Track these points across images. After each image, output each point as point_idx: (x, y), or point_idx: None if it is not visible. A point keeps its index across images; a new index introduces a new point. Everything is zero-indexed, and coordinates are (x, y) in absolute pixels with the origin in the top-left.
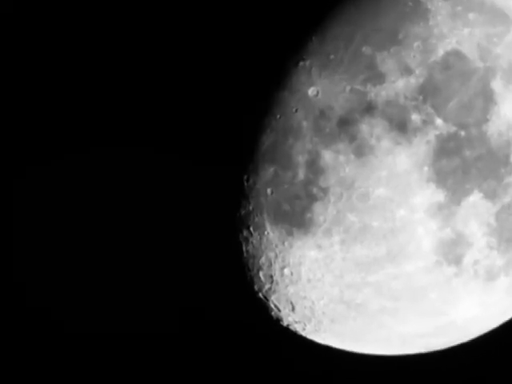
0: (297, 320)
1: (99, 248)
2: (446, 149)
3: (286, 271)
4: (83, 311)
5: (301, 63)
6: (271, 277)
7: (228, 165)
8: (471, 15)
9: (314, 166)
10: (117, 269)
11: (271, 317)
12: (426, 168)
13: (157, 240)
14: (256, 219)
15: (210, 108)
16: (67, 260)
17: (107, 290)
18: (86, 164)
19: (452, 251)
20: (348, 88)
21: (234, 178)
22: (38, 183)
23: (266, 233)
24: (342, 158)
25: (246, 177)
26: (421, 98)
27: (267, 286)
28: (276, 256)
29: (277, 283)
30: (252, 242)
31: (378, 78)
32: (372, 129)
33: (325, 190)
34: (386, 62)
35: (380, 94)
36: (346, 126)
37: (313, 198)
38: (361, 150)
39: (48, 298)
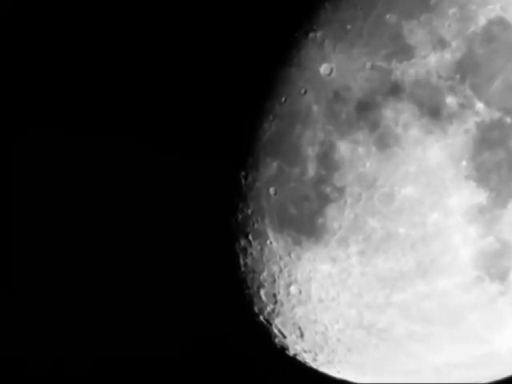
0: (306, 349)
1: (87, 253)
2: (488, 139)
3: (293, 289)
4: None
5: (311, 34)
6: (274, 296)
7: (222, 159)
8: None
9: (327, 160)
10: (104, 279)
11: (275, 344)
12: (463, 163)
13: (146, 250)
14: (256, 225)
15: (201, 87)
16: (55, 259)
17: (93, 302)
18: (83, 162)
19: (496, 264)
20: (368, 65)
21: (230, 174)
22: (36, 181)
23: (268, 242)
24: (361, 150)
25: (243, 173)
26: (458, 77)
27: (270, 308)
28: (280, 270)
29: (281, 304)
30: (251, 254)
31: (405, 52)
32: (398, 115)
33: (340, 190)
34: (415, 33)
35: (407, 72)
36: (365, 111)
37: (325, 200)
38: (384, 141)
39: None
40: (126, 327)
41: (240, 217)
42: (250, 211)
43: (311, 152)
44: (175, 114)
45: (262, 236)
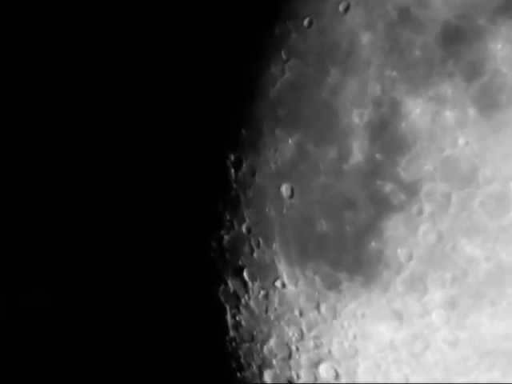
0: None
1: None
2: None
3: (325, 371)
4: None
5: None
6: (290, 383)
7: (198, 132)
8: None
9: (387, 135)
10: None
11: None
12: None
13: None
14: (256, 254)
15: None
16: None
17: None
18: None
19: None
20: None
21: (209, 160)
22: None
23: (278, 284)
24: (449, 115)
25: (233, 158)
26: None
27: None
28: (301, 336)
29: None
30: (247, 306)
31: None
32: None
33: (410, 189)
34: None
35: None
36: (457, 43)
37: (384, 207)
38: (491, 99)
39: None
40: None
41: (227, 238)
42: (244, 227)
43: (357, 119)
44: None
45: (266, 273)
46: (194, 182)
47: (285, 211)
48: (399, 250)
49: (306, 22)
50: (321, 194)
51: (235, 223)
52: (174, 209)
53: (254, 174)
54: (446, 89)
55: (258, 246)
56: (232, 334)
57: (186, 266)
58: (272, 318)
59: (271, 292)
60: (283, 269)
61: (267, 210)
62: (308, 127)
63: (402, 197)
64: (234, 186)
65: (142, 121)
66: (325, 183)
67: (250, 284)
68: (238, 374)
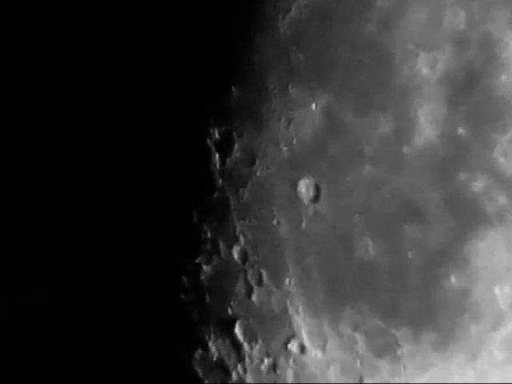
0: None
1: None
2: None
3: None
4: None
5: None
6: None
7: (158, 92)
8: None
9: (477, 94)
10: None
11: None
12: None
13: None
14: (256, 297)
15: None
16: None
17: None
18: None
19: None
20: None
21: (183, 139)
22: None
23: (292, 347)
24: None
25: (218, 135)
26: None
27: None
28: None
29: None
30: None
31: None
32: None
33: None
34: None
35: None
36: None
37: (472, 217)
38: None
39: None
40: None
41: (207, 269)
42: (235, 251)
43: (427, 70)
44: None
45: (274, 328)
46: (150, 174)
47: (304, 225)
48: (497, 290)
49: None
50: (365, 195)
51: (221, 244)
52: (117, 221)
53: (252, 163)
54: None
55: (260, 282)
56: None
57: (141, 316)
58: None
59: (282, 361)
60: (302, 321)
61: (275, 222)
62: (343, 83)
63: (502, 200)
64: (220, 182)
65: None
66: (372, 178)
67: (245, 347)
68: None
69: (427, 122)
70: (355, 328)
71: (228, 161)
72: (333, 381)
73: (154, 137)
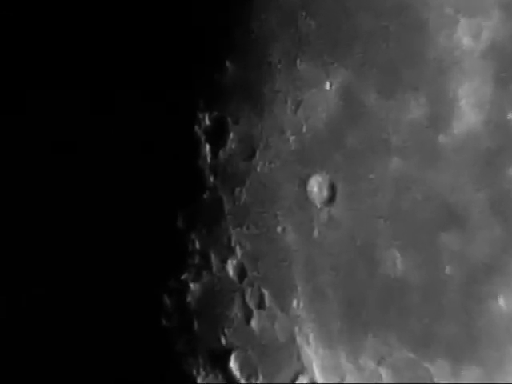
0: None
1: None
2: None
3: None
4: None
5: None
6: None
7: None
8: None
9: None
10: None
11: None
12: None
13: None
14: (256, 323)
15: None
16: None
17: None
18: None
19: None
20: None
21: (165, 127)
22: None
23: None
24: None
25: (209, 121)
26: None
27: None
28: None
29: None
30: None
31: None
32: None
33: None
34: None
35: None
36: None
37: None
38: None
39: None
40: None
41: (195, 288)
42: (231, 266)
43: (468, 40)
44: None
45: (279, 361)
46: (124, 170)
47: (316, 233)
48: None
49: None
50: (391, 196)
51: (213, 257)
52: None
53: (251, 156)
54: None
55: (261, 304)
56: None
57: (113, 346)
58: None
59: None
60: (313, 353)
61: (279, 229)
62: (364, 57)
63: None
64: (211, 179)
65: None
66: (400, 174)
67: None
68: None
69: (469, 105)
70: (379, 361)
71: (221, 153)
72: None
73: (128, 124)
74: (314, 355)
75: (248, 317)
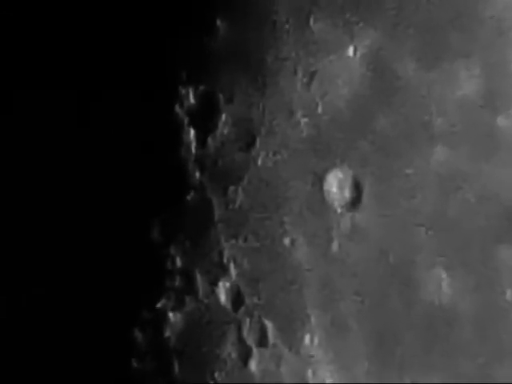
0: None
1: None
2: None
3: None
4: None
5: None
6: None
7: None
8: None
9: None
10: None
11: None
12: None
13: None
14: (256, 365)
15: None
16: None
17: None
18: None
19: None
20: None
21: (134, 107)
22: None
23: None
24: None
25: (193, 97)
26: None
27: None
28: None
29: None
30: None
31: None
32: None
33: None
34: None
35: None
36: None
37: None
38: None
39: None
40: None
41: (174, 319)
42: (222, 291)
43: None
44: None
45: None
46: (85, 164)
47: (336, 246)
48: None
49: None
50: (435, 198)
51: (198, 278)
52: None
53: (249, 145)
54: None
55: (263, 341)
56: None
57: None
58: None
59: None
60: None
61: (287, 241)
62: (399, 15)
63: None
64: (197, 175)
65: None
66: (447, 169)
67: None
68: None
69: None
70: None
71: (210, 141)
72: None
73: (88, 104)
74: None
75: (245, 357)
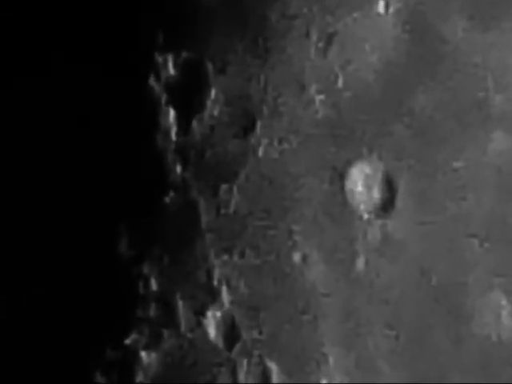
0: None
1: None
2: None
3: None
4: None
5: None
6: None
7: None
8: None
9: None
10: None
11: None
12: None
13: None
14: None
15: None
16: None
17: None
18: None
19: None
20: None
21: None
22: None
23: None
24: None
25: (171, 63)
26: None
27: None
28: None
29: None
30: None
31: None
32: None
33: None
34: None
35: None
36: None
37: None
38: None
39: None
40: None
41: (150, 362)
42: (213, 322)
43: None
44: None
45: None
46: (36, 156)
47: (362, 263)
48: None
49: None
50: (493, 199)
51: (180, 306)
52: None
53: (247, 130)
54: None
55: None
56: None
57: None
58: None
59: None
60: None
61: (297, 257)
62: None
63: None
64: (178, 170)
65: None
66: (508, 160)
67: None
68: None
69: None
70: None
71: (196, 125)
72: None
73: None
74: None
75: None
